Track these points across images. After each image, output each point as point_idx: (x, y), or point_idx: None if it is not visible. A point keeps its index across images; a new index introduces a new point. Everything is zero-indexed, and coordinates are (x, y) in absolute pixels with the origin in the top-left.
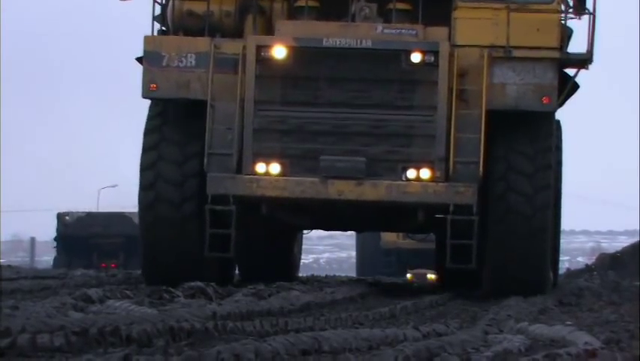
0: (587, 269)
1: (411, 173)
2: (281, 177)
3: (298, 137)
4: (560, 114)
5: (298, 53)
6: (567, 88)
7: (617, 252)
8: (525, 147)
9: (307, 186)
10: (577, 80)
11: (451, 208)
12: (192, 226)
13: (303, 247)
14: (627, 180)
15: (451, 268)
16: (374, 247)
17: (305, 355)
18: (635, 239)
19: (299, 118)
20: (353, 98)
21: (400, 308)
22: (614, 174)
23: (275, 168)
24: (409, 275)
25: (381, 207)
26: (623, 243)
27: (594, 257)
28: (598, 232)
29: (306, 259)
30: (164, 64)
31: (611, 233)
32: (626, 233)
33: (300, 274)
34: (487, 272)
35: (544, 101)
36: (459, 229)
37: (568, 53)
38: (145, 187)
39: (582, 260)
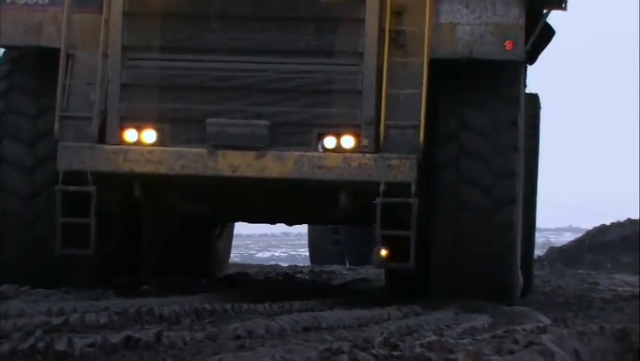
0: (538, 260)
1: (329, 141)
2: (156, 148)
3: (181, 94)
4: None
5: None
6: (537, 29)
7: (563, 246)
8: (482, 121)
9: (190, 160)
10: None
11: (382, 188)
12: (46, 206)
13: (305, 241)
14: (570, 182)
15: (382, 267)
16: (322, 226)
17: (306, 331)
18: (577, 235)
19: (182, 69)
20: (253, 42)
21: (386, 292)
22: (561, 178)
23: (150, 135)
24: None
25: (291, 189)
26: (568, 238)
27: (544, 250)
28: (547, 229)
29: (305, 251)
30: (8, 1)
31: (558, 230)
32: (570, 229)
33: (303, 264)
34: (434, 278)
35: (508, 47)
36: (395, 216)
37: None
38: None
39: (534, 252)
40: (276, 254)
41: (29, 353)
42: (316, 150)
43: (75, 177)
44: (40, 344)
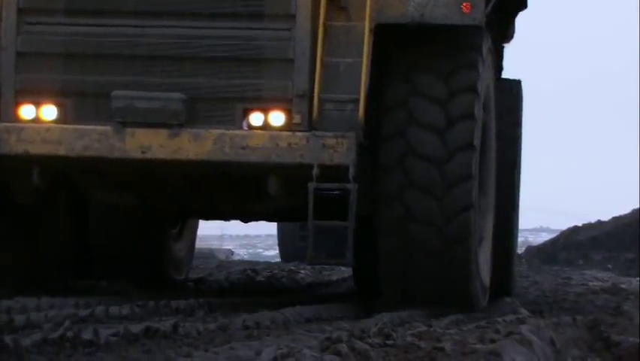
0: (517, 257)
1: (256, 118)
2: (55, 126)
3: (86, 63)
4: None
5: None
6: None
7: (540, 244)
8: (433, 113)
9: (94, 139)
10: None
11: (315, 171)
12: None
13: None
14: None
15: (317, 263)
16: (291, 223)
17: (308, 322)
18: (552, 235)
19: (87, 35)
20: (169, 4)
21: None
22: (531, 179)
23: (49, 111)
24: None
25: (211, 173)
26: (544, 238)
27: (523, 248)
28: (525, 229)
29: None
30: None
31: (535, 230)
32: (541, 230)
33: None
34: (382, 279)
35: (465, 10)
36: (333, 205)
37: None
38: None
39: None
40: None
41: (59, 341)
42: (241, 128)
43: None
44: (69, 334)
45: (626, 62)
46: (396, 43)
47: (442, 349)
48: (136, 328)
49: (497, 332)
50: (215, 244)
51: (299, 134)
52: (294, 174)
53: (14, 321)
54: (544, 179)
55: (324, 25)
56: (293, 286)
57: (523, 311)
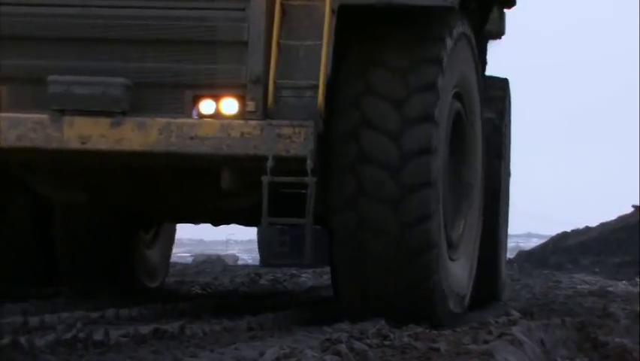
0: (509, 262)
1: (206, 105)
2: None
3: (21, 46)
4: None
5: None
6: None
7: (531, 249)
8: (390, 109)
9: (29, 128)
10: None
11: (270, 163)
12: None
13: None
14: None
15: (272, 265)
16: (270, 228)
17: (309, 323)
18: (541, 241)
19: (23, 16)
20: None
21: None
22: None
23: None
24: None
25: (158, 166)
26: (535, 243)
27: (514, 253)
28: (516, 235)
29: None
30: None
31: (526, 235)
32: (532, 235)
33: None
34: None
35: None
36: (290, 200)
37: None
38: None
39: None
40: None
41: (71, 342)
42: (191, 116)
43: None
44: (81, 335)
45: (619, 79)
46: (357, 29)
47: (437, 349)
48: (145, 329)
49: (490, 333)
50: (220, 250)
51: (252, 122)
52: (248, 167)
53: (29, 322)
54: (535, 188)
55: (282, 4)
56: (295, 289)
57: (515, 313)
